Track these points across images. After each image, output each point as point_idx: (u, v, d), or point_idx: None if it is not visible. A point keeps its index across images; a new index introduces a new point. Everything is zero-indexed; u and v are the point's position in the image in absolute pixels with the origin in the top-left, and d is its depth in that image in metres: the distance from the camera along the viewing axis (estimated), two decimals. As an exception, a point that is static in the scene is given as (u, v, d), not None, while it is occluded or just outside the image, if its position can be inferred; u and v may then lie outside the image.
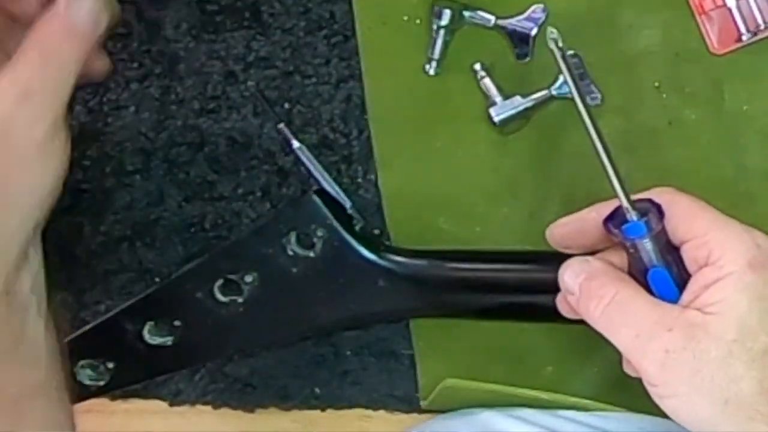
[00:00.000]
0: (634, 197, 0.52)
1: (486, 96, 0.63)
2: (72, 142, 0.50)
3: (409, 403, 0.68)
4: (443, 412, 0.68)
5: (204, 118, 0.68)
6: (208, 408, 0.71)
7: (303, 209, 0.62)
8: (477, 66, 0.63)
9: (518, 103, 0.62)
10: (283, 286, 0.63)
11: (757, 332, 0.47)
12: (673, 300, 0.50)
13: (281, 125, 0.66)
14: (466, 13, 0.63)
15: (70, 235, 0.70)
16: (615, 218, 0.52)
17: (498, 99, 0.63)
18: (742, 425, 0.46)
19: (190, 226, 0.68)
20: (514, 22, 0.62)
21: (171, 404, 0.71)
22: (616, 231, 0.51)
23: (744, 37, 0.61)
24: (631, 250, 0.51)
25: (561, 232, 0.56)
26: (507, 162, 0.64)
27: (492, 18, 0.62)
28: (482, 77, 0.63)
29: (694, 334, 0.47)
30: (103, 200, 0.69)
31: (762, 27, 0.60)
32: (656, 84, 0.62)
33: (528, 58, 0.63)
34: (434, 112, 0.65)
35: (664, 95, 0.62)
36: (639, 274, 0.52)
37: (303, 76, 0.67)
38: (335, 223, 0.61)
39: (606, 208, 0.53)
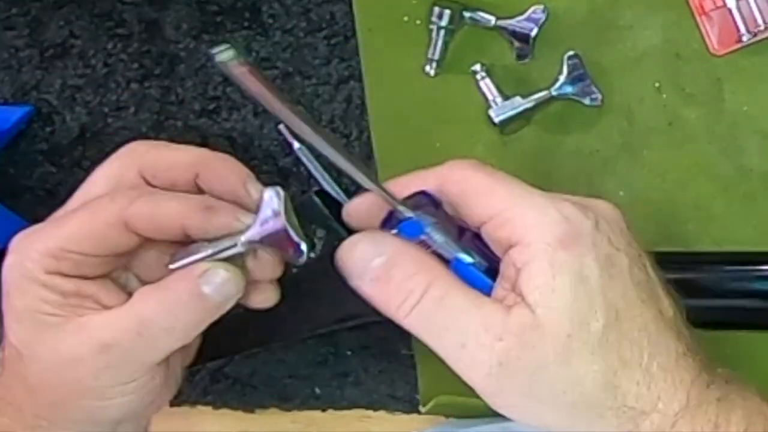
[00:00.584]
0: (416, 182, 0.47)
1: (486, 97, 0.63)
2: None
3: (410, 404, 0.68)
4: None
5: (204, 119, 0.68)
6: (208, 408, 0.71)
7: (303, 210, 0.62)
8: (477, 67, 0.63)
9: (518, 103, 0.62)
10: (283, 286, 0.63)
11: (588, 319, 0.41)
12: (487, 291, 0.44)
13: (281, 125, 0.66)
14: (466, 14, 0.63)
15: (70, 235, 0.70)
16: (391, 219, 0.47)
17: (498, 100, 0.63)
18: (593, 425, 0.42)
19: (190, 227, 0.68)
20: (514, 23, 0.62)
21: (171, 404, 0.71)
22: (394, 233, 0.45)
23: (744, 38, 0.61)
24: (426, 247, 0.45)
25: (357, 211, 0.48)
26: (507, 162, 0.64)
27: (492, 18, 0.62)
28: (482, 78, 0.63)
29: (527, 340, 0.41)
30: (104, 201, 0.69)
31: (762, 27, 0.60)
32: (656, 84, 0.63)
33: (528, 59, 0.63)
34: (434, 112, 0.65)
35: (664, 95, 0.63)
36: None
37: (303, 77, 0.67)
38: (335, 224, 0.61)
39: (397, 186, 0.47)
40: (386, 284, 0.44)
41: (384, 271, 0.44)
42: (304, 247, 0.45)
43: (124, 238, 0.46)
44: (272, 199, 0.46)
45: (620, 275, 0.43)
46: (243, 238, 0.47)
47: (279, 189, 0.47)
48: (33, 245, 0.46)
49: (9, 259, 0.47)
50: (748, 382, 0.47)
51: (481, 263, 0.45)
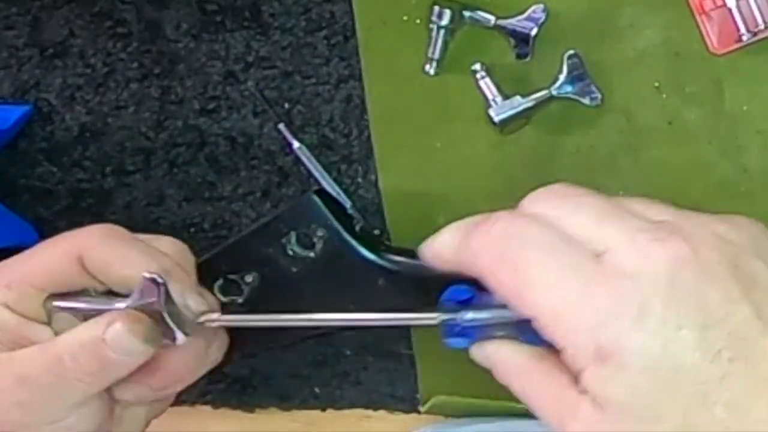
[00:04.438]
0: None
1: (486, 96, 0.63)
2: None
3: (410, 404, 0.68)
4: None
5: (204, 118, 0.68)
6: (208, 408, 0.71)
7: (303, 209, 0.62)
8: (477, 66, 0.63)
9: (518, 103, 0.62)
10: (283, 286, 0.63)
11: (652, 422, 0.37)
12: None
13: (281, 125, 0.66)
14: (466, 13, 0.63)
15: (70, 235, 0.70)
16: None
17: (498, 99, 0.63)
18: None
19: (190, 226, 0.68)
20: (514, 22, 0.62)
21: (171, 404, 0.71)
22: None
23: (744, 38, 0.61)
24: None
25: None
26: (507, 162, 0.64)
27: (492, 18, 0.62)
28: (482, 77, 0.63)
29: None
30: (103, 200, 0.69)
31: (762, 27, 0.60)
32: (656, 84, 0.63)
33: (528, 58, 0.63)
34: (434, 112, 0.65)
35: (664, 95, 0.62)
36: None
37: (303, 76, 0.67)
38: (335, 223, 0.61)
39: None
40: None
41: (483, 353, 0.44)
42: (179, 336, 0.46)
43: (79, 277, 0.47)
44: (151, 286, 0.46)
45: (684, 359, 0.36)
46: (122, 304, 0.47)
47: (157, 277, 0.47)
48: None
49: None
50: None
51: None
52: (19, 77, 0.70)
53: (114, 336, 0.45)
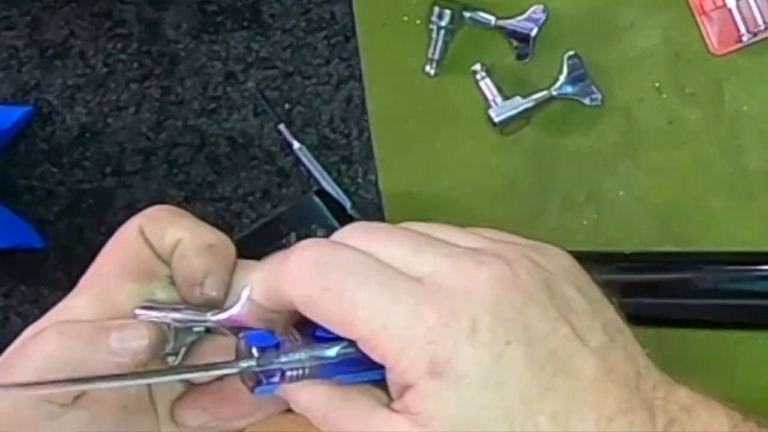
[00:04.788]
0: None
1: (486, 97, 0.63)
2: None
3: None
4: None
5: (204, 119, 0.68)
6: (209, 408, 0.71)
7: (303, 210, 0.62)
8: (477, 66, 0.63)
9: (518, 103, 0.62)
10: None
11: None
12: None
13: (281, 126, 0.66)
14: (466, 14, 0.63)
15: (70, 235, 0.70)
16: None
17: (498, 99, 0.63)
18: None
19: (190, 227, 0.68)
20: (514, 23, 0.62)
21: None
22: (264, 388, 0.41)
23: (744, 38, 0.61)
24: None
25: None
26: (507, 162, 0.64)
27: (492, 18, 0.62)
28: (482, 78, 0.63)
29: None
30: (104, 200, 0.69)
31: (762, 28, 0.60)
32: (656, 84, 0.62)
33: (528, 59, 0.63)
34: (434, 112, 0.65)
35: (665, 95, 0.62)
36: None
37: (303, 77, 0.67)
38: (336, 224, 0.61)
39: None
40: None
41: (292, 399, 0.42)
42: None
43: (143, 253, 0.47)
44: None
45: (512, 373, 0.38)
46: (214, 317, 0.46)
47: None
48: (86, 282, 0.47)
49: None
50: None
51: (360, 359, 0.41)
52: (20, 78, 0.70)
53: (122, 338, 0.45)
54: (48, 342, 0.45)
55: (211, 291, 0.46)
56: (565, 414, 0.38)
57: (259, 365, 0.39)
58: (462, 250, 0.40)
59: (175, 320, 0.46)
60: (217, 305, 0.46)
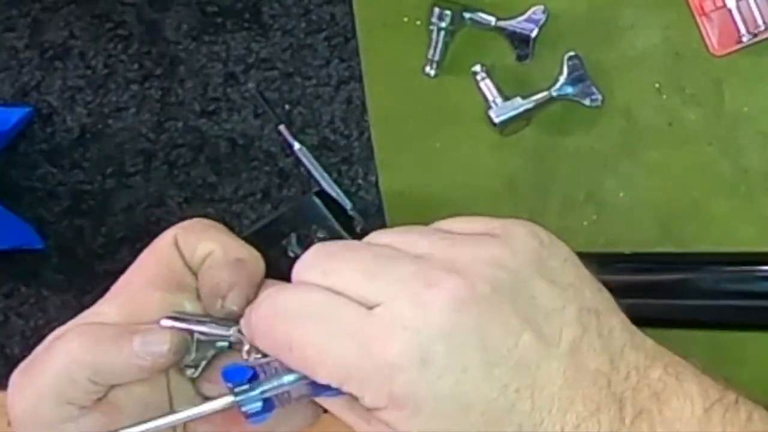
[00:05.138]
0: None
1: (486, 97, 0.63)
2: None
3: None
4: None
5: (204, 120, 0.68)
6: (209, 409, 0.71)
7: (304, 210, 0.62)
8: (477, 67, 0.63)
9: (518, 104, 0.62)
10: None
11: None
12: None
13: (282, 127, 0.66)
14: (467, 15, 0.63)
15: (70, 236, 0.70)
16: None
17: (498, 100, 0.63)
18: None
19: (190, 228, 0.68)
20: (514, 24, 0.62)
21: (172, 405, 0.71)
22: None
23: (744, 39, 0.61)
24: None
25: None
26: (507, 163, 0.64)
27: (492, 19, 0.62)
28: (482, 78, 0.63)
29: None
30: (104, 201, 0.69)
31: (762, 28, 0.60)
32: (656, 84, 0.63)
33: (528, 60, 0.63)
34: (434, 113, 0.65)
35: (665, 96, 0.63)
36: None
37: (303, 78, 0.67)
38: (336, 225, 0.61)
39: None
40: None
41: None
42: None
43: (172, 255, 0.48)
44: None
45: (473, 397, 0.38)
46: (237, 333, 0.46)
47: None
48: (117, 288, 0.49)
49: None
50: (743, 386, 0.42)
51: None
52: (20, 79, 0.70)
53: (146, 343, 0.45)
54: (71, 342, 0.45)
55: (232, 305, 0.46)
56: (534, 421, 0.38)
57: (237, 401, 0.40)
58: (415, 271, 0.39)
59: (198, 332, 0.46)
60: (237, 320, 0.46)
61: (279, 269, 0.63)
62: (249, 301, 0.47)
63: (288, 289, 0.42)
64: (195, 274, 0.48)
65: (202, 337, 0.46)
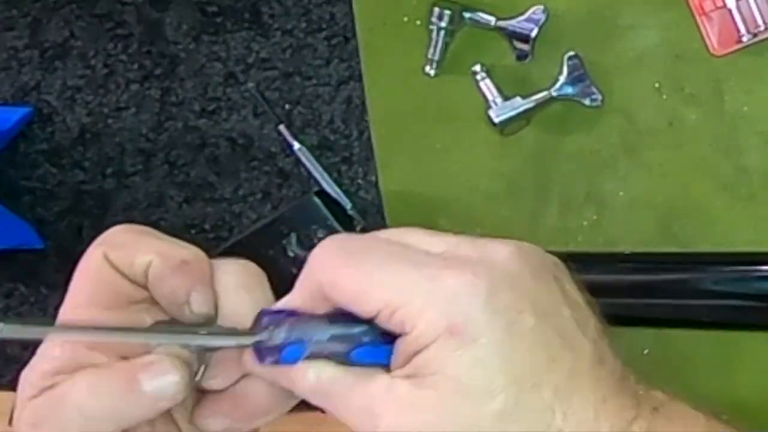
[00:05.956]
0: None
1: (486, 97, 0.63)
2: None
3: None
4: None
5: (204, 120, 0.68)
6: (209, 409, 0.71)
7: (303, 210, 0.62)
8: (477, 67, 0.63)
9: (518, 104, 0.62)
10: (284, 288, 0.62)
11: (485, 398, 0.39)
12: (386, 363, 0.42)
13: (281, 126, 0.66)
14: (466, 15, 0.63)
15: (70, 235, 0.70)
16: (262, 351, 0.43)
17: (498, 100, 0.63)
18: None
19: (190, 227, 0.68)
20: (514, 23, 0.62)
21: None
22: (281, 364, 0.42)
23: (744, 38, 0.61)
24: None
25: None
26: (507, 163, 0.64)
27: (492, 19, 0.62)
28: (482, 78, 0.63)
29: (410, 408, 0.40)
30: (104, 201, 0.69)
31: (762, 28, 0.60)
32: (656, 84, 0.63)
33: (528, 60, 0.63)
34: (434, 113, 0.65)
35: (665, 96, 0.62)
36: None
37: (303, 78, 0.67)
38: (336, 224, 0.61)
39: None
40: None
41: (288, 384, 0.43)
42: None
43: (112, 278, 0.46)
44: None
45: (524, 340, 0.40)
46: (248, 341, 0.46)
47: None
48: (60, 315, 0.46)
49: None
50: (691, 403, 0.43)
51: (375, 341, 0.42)
52: (20, 79, 0.70)
53: (155, 382, 0.44)
54: (82, 398, 0.43)
55: (201, 308, 0.45)
56: (568, 390, 0.40)
57: (272, 337, 0.41)
58: (468, 237, 0.42)
59: (198, 347, 0.45)
60: (212, 320, 0.46)
61: (279, 269, 0.63)
62: (213, 298, 0.46)
63: (355, 233, 0.44)
64: (140, 285, 0.46)
65: (203, 348, 0.45)
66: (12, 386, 0.56)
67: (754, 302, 0.60)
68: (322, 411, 0.63)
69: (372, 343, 0.42)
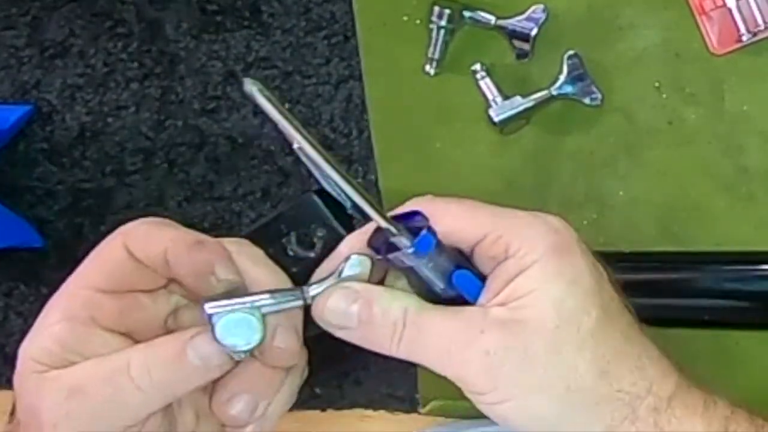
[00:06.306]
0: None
1: (486, 96, 0.63)
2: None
3: (410, 404, 0.68)
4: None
5: (204, 118, 0.68)
6: (209, 408, 0.70)
7: (303, 209, 0.62)
8: (477, 66, 0.63)
9: (518, 103, 0.62)
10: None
11: (579, 314, 0.44)
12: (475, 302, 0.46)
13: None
14: (466, 14, 0.63)
15: (70, 235, 0.70)
16: (377, 244, 0.46)
17: (498, 99, 0.63)
18: (588, 413, 0.43)
19: (190, 227, 0.68)
20: (514, 22, 0.62)
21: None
22: (410, 251, 0.44)
23: (744, 38, 0.61)
24: (418, 268, 0.45)
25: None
26: (507, 162, 0.64)
27: (492, 18, 0.62)
28: (482, 77, 0.63)
29: (511, 330, 0.43)
30: (104, 200, 0.69)
31: (762, 27, 0.60)
32: (656, 84, 0.63)
33: (528, 59, 0.63)
34: (434, 112, 0.65)
35: (664, 95, 0.63)
36: (425, 292, 0.46)
37: (303, 76, 0.67)
38: (335, 224, 0.61)
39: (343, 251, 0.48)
40: (371, 325, 0.45)
41: (366, 312, 0.45)
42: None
43: (129, 267, 0.46)
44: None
45: (603, 280, 0.45)
46: (311, 290, 0.46)
47: (364, 258, 0.47)
48: (61, 291, 0.47)
49: (45, 307, 0.47)
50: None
51: (474, 271, 0.46)
52: (20, 77, 0.70)
53: (198, 349, 0.45)
54: (136, 371, 0.44)
55: (227, 275, 0.46)
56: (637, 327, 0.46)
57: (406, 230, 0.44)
58: None
59: (264, 306, 0.45)
60: (241, 288, 0.46)
61: (279, 267, 0.62)
62: (236, 270, 0.47)
63: None
64: (160, 271, 0.48)
65: (270, 310, 0.46)
66: (12, 386, 0.56)
67: (754, 302, 0.60)
68: (322, 410, 0.63)
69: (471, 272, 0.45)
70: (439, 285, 0.46)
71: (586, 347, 0.43)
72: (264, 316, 0.46)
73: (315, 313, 0.46)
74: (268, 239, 0.62)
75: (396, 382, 0.68)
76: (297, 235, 0.62)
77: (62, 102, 0.69)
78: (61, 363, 0.45)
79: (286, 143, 0.67)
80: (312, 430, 0.70)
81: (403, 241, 0.44)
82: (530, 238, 0.45)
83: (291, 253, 0.62)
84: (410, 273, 0.46)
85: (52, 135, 0.69)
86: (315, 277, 0.48)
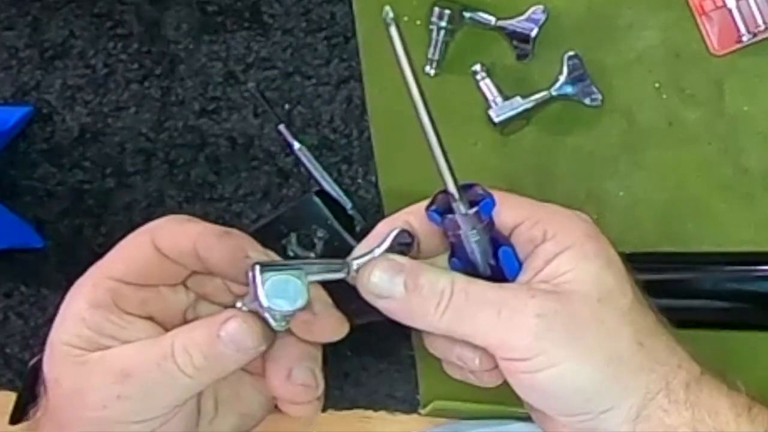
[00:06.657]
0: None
1: (486, 97, 0.63)
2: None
3: (410, 404, 0.68)
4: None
5: (204, 119, 0.68)
6: (209, 409, 0.70)
7: (303, 210, 0.62)
8: (477, 67, 0.63)
9: (518, 104, 0.62)
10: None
11: (617, 293, 0.47)
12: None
13: (281, 126, 0.66)
14: (467, 14, 0.63)
15: (70, 235, 0.70)
16: (436, 210, 0.49)
17: (498, 100, 0.63)
18: (626, 383, 0.45)
19: (190, 227, 0.68)
20: (514, 23, 0.62)
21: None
22: (473, 211, 0.47)
23: (744, 38, 0.61)
24: (466, 239, 0.47)
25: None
26: (507, 163, 0.64)
27: (492, 19, 0.62)
28: (482, 78, 0.63)
29: (559, 297, 0.45)
30: (104, 201, 0.69)
31: (762, 28, 0.60)
32: (656, 84, 0.63)
33: (528, 59, 0.63)
34: (434, 112, 0.65)
35: (664, 96, 0.63)
36: (467, 266, 0.48)
37: (303, 77, 0.67)
38: (336, 224, 0.61)
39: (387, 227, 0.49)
40: (417, 294, 0.46)
41: (412, 281, 0.46)
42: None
43: (155, 262, 0.48)
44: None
45: (628, 270, 0.48)
46: (355, 263, 0.47)
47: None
48: (84, 281, 0.48)
49: (67, 296, 0.49)
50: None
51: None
52: (20, 78, 0.70)
53: (230, 332, 0.46)
54: (186, 361, 0.46)
55: (260, 256, 0.47)
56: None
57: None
58: None
59: (310, 273, 0.46)
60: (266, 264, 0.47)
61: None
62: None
63: None
64: (187, 265, 0.49)
65: (317, 278, 0.47)
66: (12, 386, 0.56)
67: (754, 302, 0.60)
68: (322, 410, 0.63)
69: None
70: (482, 259, 0.47)
71: (625, 322, 0.46)
72: (309, 284, 0.46)
73: (360, 282, 0.47)
74: (268, 240, 0.62)
75: (396, 382, 0.68)
76: (297, 235, 0.62)
77: (62, 103, 0.69)
78: (96, 347, 0.47)
79: (286, 144, 0.67)
80: (312, 431, 0.70)
81: (462, 207, 0.47)
82: (566, 224, 0.48)
83: (291, 253, 0.62)
84: (456, 246, 0.48)
85: (53, 136, 0.69)
86: (354, 254, 0.48)
